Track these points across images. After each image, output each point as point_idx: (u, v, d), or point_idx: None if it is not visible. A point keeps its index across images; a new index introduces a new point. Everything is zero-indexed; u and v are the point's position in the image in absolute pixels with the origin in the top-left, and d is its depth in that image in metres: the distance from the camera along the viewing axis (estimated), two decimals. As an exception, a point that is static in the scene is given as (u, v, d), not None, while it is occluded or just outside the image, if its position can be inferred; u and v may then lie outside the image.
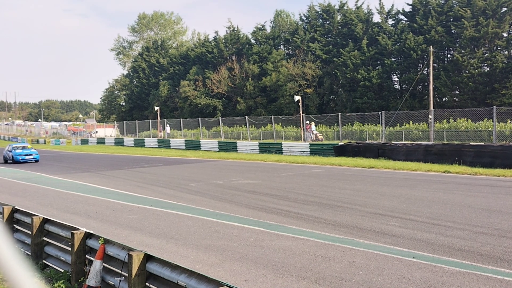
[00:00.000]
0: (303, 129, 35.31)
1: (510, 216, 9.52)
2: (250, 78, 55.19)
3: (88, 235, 6.50)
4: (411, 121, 32.79)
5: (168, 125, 48.41)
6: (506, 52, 40.04)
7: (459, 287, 5.63)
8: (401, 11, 48.24)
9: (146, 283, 5.15)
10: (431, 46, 34.75)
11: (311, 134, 35.24)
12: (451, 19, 43.07)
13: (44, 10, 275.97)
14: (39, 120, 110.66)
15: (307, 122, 35.88)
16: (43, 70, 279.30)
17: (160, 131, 49.00)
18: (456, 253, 7.09)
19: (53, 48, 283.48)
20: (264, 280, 6.15)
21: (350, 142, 27.72)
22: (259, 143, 33.62)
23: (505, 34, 39.80)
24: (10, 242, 1.01)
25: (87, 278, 5.98)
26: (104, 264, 5.91)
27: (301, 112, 35.22)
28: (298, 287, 5.87)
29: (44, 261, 7.53)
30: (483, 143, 21.71)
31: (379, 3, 50.35)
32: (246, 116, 41.11)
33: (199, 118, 46.43)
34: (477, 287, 5.63)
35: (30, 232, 7.65)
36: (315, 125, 37.21)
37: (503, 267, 6.36)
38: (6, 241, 1.00)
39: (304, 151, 29.37)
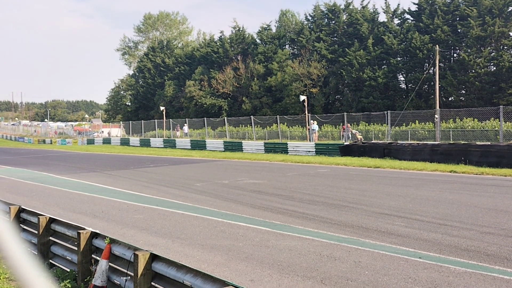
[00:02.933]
0: (308, 129, 35.24)
1: (517, 216, 9.47)
2: (255, 78, 55.19)
3: (94, 235, 6.53)
4: (417, 121, 32.68)
5: (185, 124, 48.38)
6: (512, 51, 39.85)
7: (465, 287, 5.61)
8: (407, 11, 48.08)
9: (152, 283, 5.17)
10: (437, 46, 34.61)
11: (349, 134, 34.03)
12: (457, 18, 42.87)
13: (49, 10, 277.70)
14: (46, 120, 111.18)
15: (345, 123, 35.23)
16: (49, 71, 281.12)
17: (177, 131, 49.03)
18: (462, 253, 7.06)
19: (59, 49, 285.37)
20: (270, 280, 6.15)
21: (355, 141, 27.65)
22: (264, 143, 33.63)
23: (511, 33, 39.55)
24: (18, 241, 1.02)
25: (93, 277, 6.01)
26: (110, 263, 5.93)
27: (306, 112, 35.17)
28: (303, 287, 5.86)
29: (50, 260, 7.56)
30: (489, 143, 21.59)
31: (385, 3, 50.23)
32: (252, 116, 41.10)
33: (205, 118, 46.48)
34: (484, 287, 5.61)
35: (36, 232, 7.68)
36: (318, 125, 37.10)
37: (510, 267, 6.33)
38: (14, 240, 1.01)
39: (309, 151, 29.33)
